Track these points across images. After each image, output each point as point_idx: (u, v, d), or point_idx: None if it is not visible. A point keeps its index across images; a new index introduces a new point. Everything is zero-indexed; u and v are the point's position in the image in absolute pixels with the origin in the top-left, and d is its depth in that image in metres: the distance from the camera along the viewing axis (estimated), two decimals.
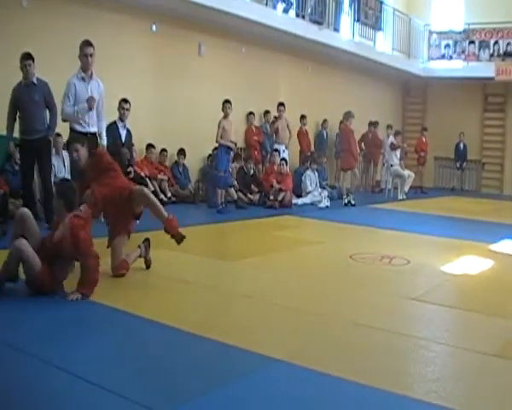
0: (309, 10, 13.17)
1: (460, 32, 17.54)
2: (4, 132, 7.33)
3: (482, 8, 16.95)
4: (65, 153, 9.40)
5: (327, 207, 11.76)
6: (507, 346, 4.13)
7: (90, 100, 6.93)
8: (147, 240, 5.74)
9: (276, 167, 11.88)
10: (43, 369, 3.37)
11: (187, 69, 11.52)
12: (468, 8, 17.82)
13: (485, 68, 16.65)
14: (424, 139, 16.70)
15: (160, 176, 10.69)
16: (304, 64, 14.34)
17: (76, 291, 4.68)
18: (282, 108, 12.91)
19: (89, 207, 4.96)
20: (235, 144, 10.60)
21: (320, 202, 11.90)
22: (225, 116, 9.91)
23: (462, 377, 3.65)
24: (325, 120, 14.63)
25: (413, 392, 3.28)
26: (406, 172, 14.71)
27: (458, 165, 17.70)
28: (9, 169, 8.24)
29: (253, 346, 3.80)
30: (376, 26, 15.86)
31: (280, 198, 11.29)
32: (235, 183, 11.22)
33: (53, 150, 9.14)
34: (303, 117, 13.87)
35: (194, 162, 11.66)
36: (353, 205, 12.17)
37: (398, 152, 14.66)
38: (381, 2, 16.20)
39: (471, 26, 17.25)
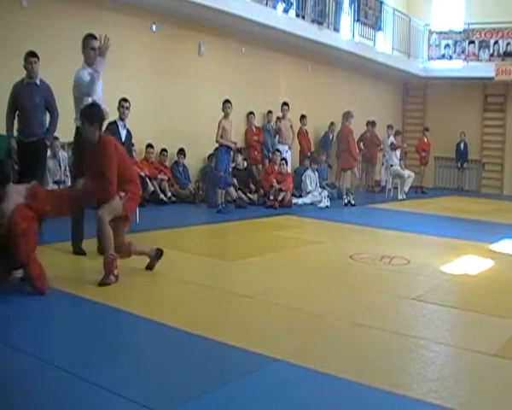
0: (311, 7, 13.17)
1: (460, 32, 17.54)
2: (4, 133, 7.30)
3: (482, 8, 16.95)
4: (64, 153, 9.42)
5: (327, 207, 11.76)
6: (507, 346, 4.13)
7: (103, 44, 6.05)
8: (160, 251, 5.69)
9: (276, 167, 11.88)
10: (42, 369, 3.37)
11: (187, 69, 11.52)
12: (468, 8, 17.81)
13: (485, 68, 16.64)
14: (426, 139, 16.71)
15: (160, 176, 10.68)
16: (304, 64, 14.34)
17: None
18: (285, 107, 12.91)
19: (71, 196, 4.96)
20: (235, 144, 10.60)
21: (320, 201, 11.90)
22: (225, 116, 9.91)
23: (462, 377, 3.65)
24: (332, 123, 14.61)
25: (413, 392, 3.28)
26: (406, 172, 14.71)
27: (459, 164, 17.70)
28: None
29: (253, 346, 3.80)
30: (376, 26, 15.85)
31: (280, 198, 11.30)
32: (235, 181, 11.23)
33: (49, 152, 9.16)
34: (303, 117, 13.87)
35: (194, 162, 11.65)
36: (353, 205, 12.18)
37: (398, 152, 14.66)
38: (381, 2, 16.19)
39: (471, 26, 17.25)
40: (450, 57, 17.70)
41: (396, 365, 3.74)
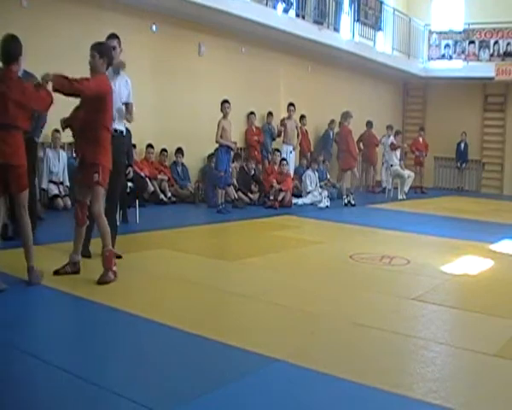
0: (312, 8, 13.17)
1: (460, 32, 17.53)
2: None
3: (482, 8, 16.94)
4: (64, 153, 9.42)
5: (327, 207, 11.76)
6: (507, 346, 4.13)
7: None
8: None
9: (276, 167, 11.88)
10: (42, 369, 3.37)
11: (187, 69, 11.52)
12: (468, 8, 17.81)
13: (485, 68, 16.63)
14: (421, 139, 16.68)
15: (159, 176, 10.68)
16: (304, 64, 14.34)
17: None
18: (291, 108, 12.91)
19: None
20: (235, 144, 10.60)
21: (320, 202, 11.90)
22: (224, 116, 9.92)
23: (462, 377, 3.65)
24: (332, 121, 14.60)
25: (413, 392, 3.28)
26: (406, 173, 14.72)
27: (459, 164, 17.70)
28: None
29: (252, 346, 3.80)
30: (376, 26, 15.85)
31: (280, 198, 11.30)
32: (234, 181, 11.23)
33: (50, 152, 9.16)
34: (302, 117, 13.87)
35: (194, 162, 11.65)
36: (353, 205, 12.18)
37: (398, 152, 14.67)
38: (381, 2, 16.19)
39: (471, 26, 17.24)
40: (451, 57, 17.69)
41: (396, 365, 3.74)
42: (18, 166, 4.90)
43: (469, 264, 6.80)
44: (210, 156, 11.23)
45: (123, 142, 6.26)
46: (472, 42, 17.24)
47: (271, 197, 11.31)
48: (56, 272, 5.30)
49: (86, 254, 5.97)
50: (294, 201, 11.81)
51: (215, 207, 10.11)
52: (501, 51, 16.81)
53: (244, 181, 11.58)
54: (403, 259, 6.85)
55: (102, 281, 5.09)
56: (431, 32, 18.04)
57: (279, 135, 12.99)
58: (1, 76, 4.89)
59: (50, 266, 5.32)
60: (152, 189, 10.35)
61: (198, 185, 11.38)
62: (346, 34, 14.57)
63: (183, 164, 11.24)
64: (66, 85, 4.93)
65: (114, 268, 5.20)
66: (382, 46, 16.37)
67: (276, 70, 13.66)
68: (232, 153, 10.63)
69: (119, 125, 6.16)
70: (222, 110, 9.93)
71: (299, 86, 14.13)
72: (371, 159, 15.96)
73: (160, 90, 11.02)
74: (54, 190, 9.16)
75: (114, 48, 6.04)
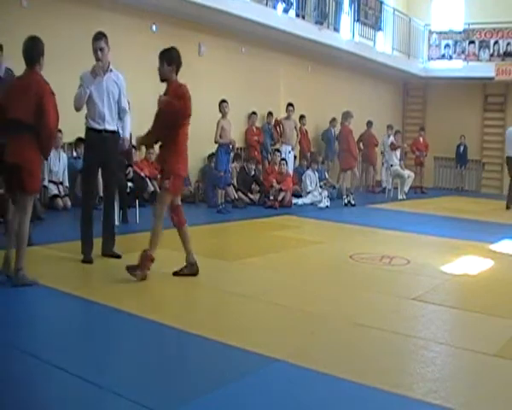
0: (312, 8, 13.17)
1: (460, 32, 17.53)
2: None
3: (482, 8, 16.94)
4: (64, 153, 9.41)
5: (327, 207, 11.75)
6: (507, 346, 4.13)
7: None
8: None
9: (276, 167, 11.88)
10: (42, 369, 3.37)
11: (187, 69, 11.43)
12: (468, 8, 17.81)
13: (485, 68, 16.63)
14: (421, 139, 16.68)
15: (159, 176, 10.65)
16: (304, 64, 14.33)
17: None
18: (290, 108, 12.91)
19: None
20: (234, 142, 10.59)
21: (320, 202, 11.90)
22: (223, 116, 9.93)
23: (462, 377, 3.65)
24: (334, 119, 14.59)
25: (413, 392, 3.28)
26: (406, 173, 14.71)
27: (459, 167, 17.73)
28: None
29: (252, 346, 3.80)
30: (376, 26, 15.85)
31: (280, 198, 11.30)
32: (234, 181, 11.23)
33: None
34: (302, 117, 13.87)
35: (193, 162, 11.62)
36: (353, 205, 12.18)
37: (398, 152, 14.66)
38: (381, 2, 16.19)
39: (471, 26, 17.24)
40: (451, 57, 17.69)
41: (396, 365, 3.74)
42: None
43: (469, 264, 6.80)
44: (210, 156, 11.23)
45: (116, 141, 6.26)
46: (472, 42, 17.24)
47: (271, 197, 11.31)
48: (176, 273, 5.47)
49: (88, 261, 5.89)
50: (294, 201, 11.81)
51: (215, 207, 10.11)
52: (501, 51, 16.81)
53: (244, 181, 11.57)
54: (403, 259, 6.85)
55: (129, 270, 5.18)
56: (431, 32, 18.04)
57: (277, 140, 12.94)
58: (25, 77, 5.04)
59: (50, 265, 5.32)
60: (152, 189, 10.33)
61: (198, 185, 11.37)
62: (346, 34, 14.57)
63: None
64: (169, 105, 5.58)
65: (147, 272, 5.27)
66: (382, 46, 16.37)
67: (276, 70, 13.66)
68: (232, 153, 10.62)
69: (112, 126, 6.15)
70: (220, 110, 9.94)
71: (299, 86, 14.13)
72: (371, 159, 15.94)
73: (160, 90, 10.98)
74: (53, 189, 9.15)
75: (102, 49, 6.01)
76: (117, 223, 7.99)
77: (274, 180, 11.47)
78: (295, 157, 13.59)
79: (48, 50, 8.81)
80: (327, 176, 13.74)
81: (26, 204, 4.90)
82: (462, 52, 17.41)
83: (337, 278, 5.97)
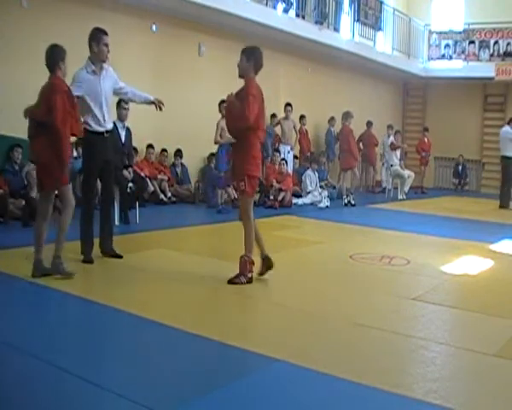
0: (312, 8, 13.17)
1: (460, 32, 17.53)
2: (4, 132, 7.28)
3: (482, 8, 16.94)
4: None
5: (327, 207, 11.76)
6: (507, 346, 4.12)
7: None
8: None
9: (276, 167, 11.88)
10: (42, 369, 3.37)
11: (187, 69, 11.51)
12: (468, 8, 17.81)
13: (485, 68, 16.63)
14: (426, 139, 16.70)
15: (159, 176, 10.68)
16: (304, 64, 14.33)
17: None
18: (289, 108, 12.89)
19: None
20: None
21: (320, 202, 11.90)
22: (223, 116, 9.90)
23: (462, 377, 3.65)
24: (332, 118, 14.58)
25: (413, 392, 3.28)
26: (406, 173, 14.71)
27: (457, 182, 17.77)
28: (9, 169, 8.23)
29: (253, 346, 3.80)
30: (376, 26, 15.85)
31: (280, 198, 11.30)
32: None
33: None
34: (302, 117, 13.87)
35: (194, 162, 11.65)
36: (353, 205, 12.18)
37: (398, 152, 14.66)
38: (381, 2, 16.19)
39: (471, 26, 17.24)
40: (451, 57, 17.70)
41: (396, 365, 3.74)
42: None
43: (469, 264, 6.80)
44: (210, 156, 11.23)
45: (113, 140, 6.36)
46: (472, 42, 17.24)
47: (271, 197, 11.32)
48: (260, 274, 5.60)
49: (89, 261, 5.88)
50: (294, 201, 11.81)
51: (215, 207, 10.12)
52: (501, 51, 16.81)
53: None
54: (403, 259, 6.85)
55: (232, 281, 5.31)
56: (431, 32, 18.04)
57: (276, 142, 12.91)
58: (47, 83, 5.32)
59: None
60: (152, 189, 10.35)
61: (198, 185, 11.37)
62: (346, 34, 14.57)
63: (182, 164, 11.24)
64: (230, 105, 5.52)
65: (249, 275, 5.38)
66: (382, 46, 16.37)
67: (276, 70, 13.64)
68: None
69: (110, 124, 6.21)
70: (220, 111, 9.94)
71: (299, 86, 14.13)
72: (371, 159, 15.94)
73: (160, 90, 10.96)
74: None
75: (106, 45, 6.03)
76: (116, 223, 8.01)
77: (274, 180, 11.47)
78: (295, 157, 13.59)
79: None
80: (327, 176, 13.75)
81: (63, 197, 5.32)
82: (462, 52, 17.42)
83: (337, 278, 5.97)
